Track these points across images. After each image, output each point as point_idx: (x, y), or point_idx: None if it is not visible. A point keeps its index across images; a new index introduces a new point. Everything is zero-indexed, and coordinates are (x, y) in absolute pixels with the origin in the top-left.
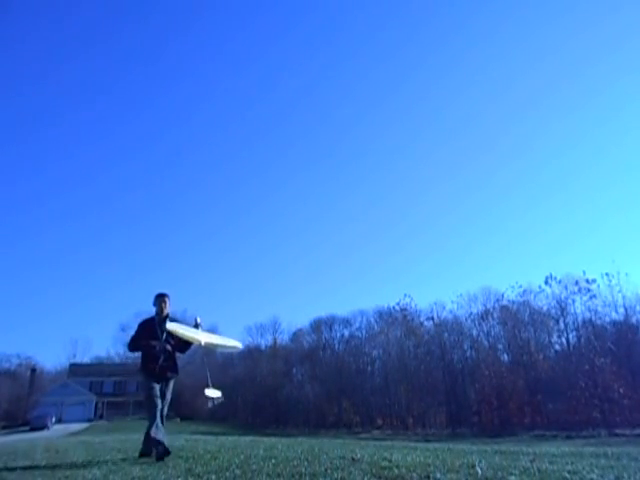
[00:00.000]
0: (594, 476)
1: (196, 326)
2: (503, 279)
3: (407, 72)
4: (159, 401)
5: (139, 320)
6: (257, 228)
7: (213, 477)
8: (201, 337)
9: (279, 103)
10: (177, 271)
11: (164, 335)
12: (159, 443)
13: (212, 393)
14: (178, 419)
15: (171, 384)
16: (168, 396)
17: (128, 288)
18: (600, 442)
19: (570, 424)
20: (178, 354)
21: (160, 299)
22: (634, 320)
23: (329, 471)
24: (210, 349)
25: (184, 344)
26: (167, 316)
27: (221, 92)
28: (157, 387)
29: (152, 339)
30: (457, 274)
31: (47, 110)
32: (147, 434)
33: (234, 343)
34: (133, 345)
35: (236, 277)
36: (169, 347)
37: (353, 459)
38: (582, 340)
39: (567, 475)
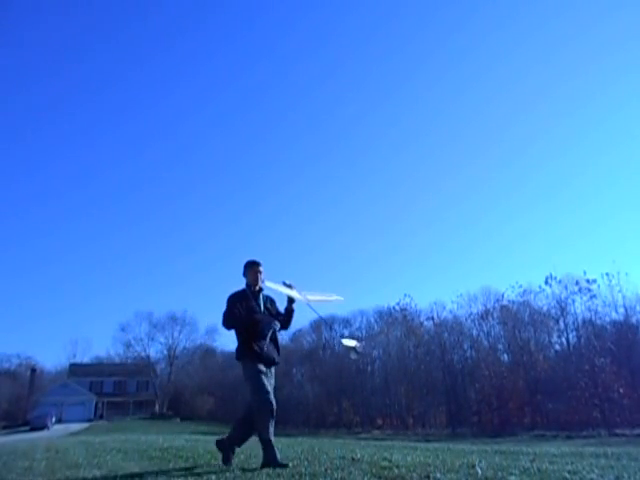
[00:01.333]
0: (594, 476)
1: (289, 287)
2: (503, 279)
3: (405, 74)
4: (272, 391)
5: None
6: (257, 228)
7: (213, 477)
8: (303, 295)
9: (279, 103)
10: (177, 271)
11: (262, 309)
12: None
13: (350, 342)
14: (178, 419)
15: (273, 371)
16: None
17: (128, 288)
18: (600, 442)
19: (570, 424)
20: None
21: (254, 267)
22: (634, 320)
23: (329, 471)
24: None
25: (285, 317)
26: (261, 289)
27: (221, 93)
28: (266, 372)
29: (252, 313)
30: (457, 274)
31: (47, 110)
32: (258, 435)
33: (336, 297)
34: (232, 319)
35: (236, 277)
36: (275, 323)
37: (353, 459)
38: (582, 340)
39: (567, 475)
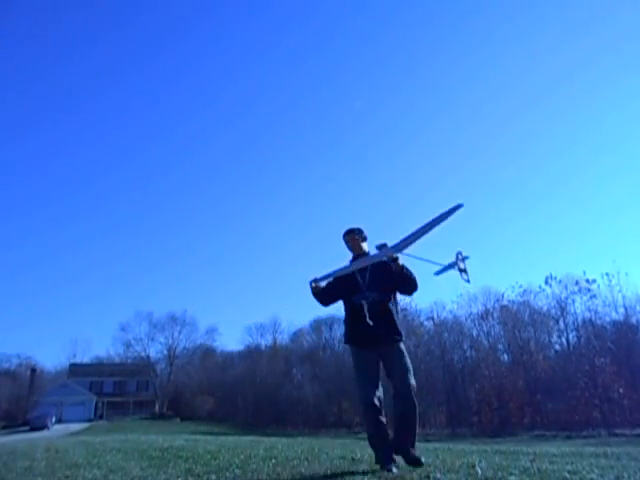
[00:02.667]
0: (594, 476)
1: (381, 248)
2: (503, 279)
3: (406, 74)
4: (375, 387)
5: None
6: (257, 228)
7: (213, 477)
8: (398, 248)
9: (281, 101)
10: (177, 271)
11: (366, 280)
12: (392, 458)
13: (456, 267)
14: (178, 419)
15: (399, 348)
16: (399, 366)
17: (128, 288)
18: (600, 442)
19: (570, 424)
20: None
21: (347, 237)
22: (634, 320)
23: (329, 471)
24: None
25: (399, 280)
26: (366, 254)
27: (222, 92)
28: (371, 362)
29: (351, 288)
30: (457, 274)
31: (47, 110)
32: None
33: (453, 206)
34: (328, 294)
35: (236, 277)
36: (376, 295)
37: (353, 459)
38: (582, 340)
39: (567, 475)
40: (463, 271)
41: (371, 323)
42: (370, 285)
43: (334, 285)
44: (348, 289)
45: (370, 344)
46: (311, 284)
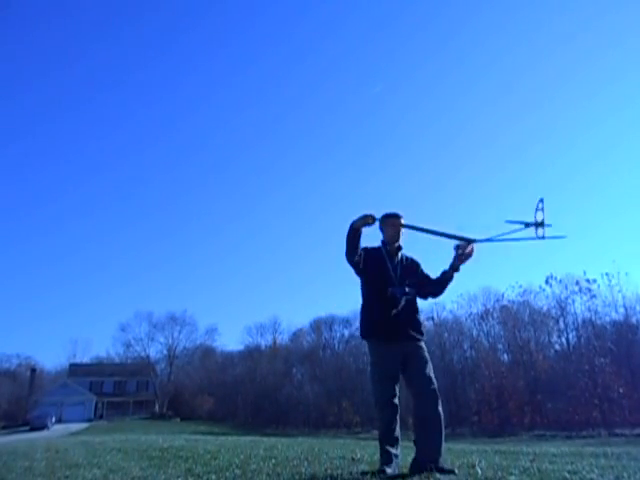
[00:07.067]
0: (594, 476)
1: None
2: (503, 279)
3: (407, 73)
4: (395, 385)
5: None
6: (257, 228)
7: (213, 477)
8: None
9: (282, 99)
10: (177, 271)
11: (399, 272)
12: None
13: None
14: (178, 419)
15: (424, 347)
16: (422, 369)
17: (128, 288)
18: (600, 442)
19: (570, 424)
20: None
21: (392, 220)
22: (634, 320)
23: (329, 471)
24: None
25: (439, 283)
26: (400, 247)
27: (222, 91)
28: (394, 359)
29: (383, 276)
30: (457, 274)
31: (46, 110)
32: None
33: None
34: (360, 254)
35: (236, 277)
36: (413, 291)
37: (353, 459)
38: (582, 340)
39: (567, 475)
40: (539, 225)
41: (404, 319)
42: (401, 280)
43: (366, 258)
44: (381, 276)
45: (396, 340)
46: (366, 216)
